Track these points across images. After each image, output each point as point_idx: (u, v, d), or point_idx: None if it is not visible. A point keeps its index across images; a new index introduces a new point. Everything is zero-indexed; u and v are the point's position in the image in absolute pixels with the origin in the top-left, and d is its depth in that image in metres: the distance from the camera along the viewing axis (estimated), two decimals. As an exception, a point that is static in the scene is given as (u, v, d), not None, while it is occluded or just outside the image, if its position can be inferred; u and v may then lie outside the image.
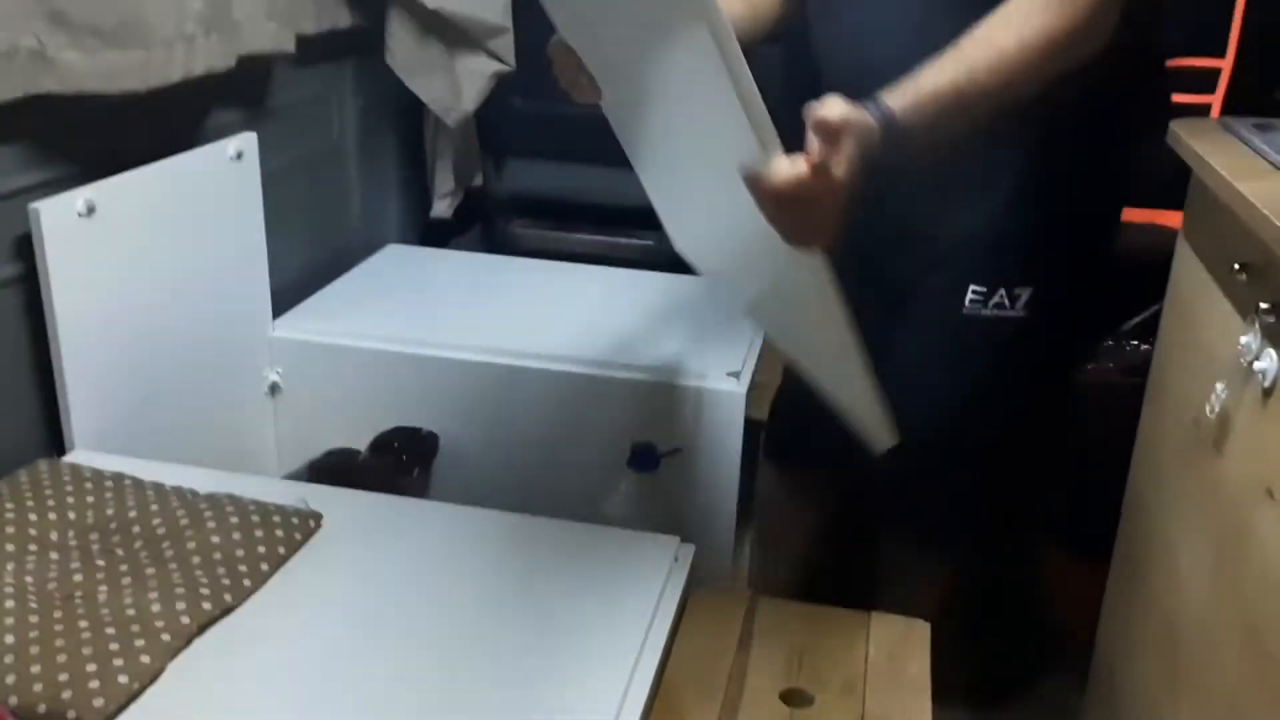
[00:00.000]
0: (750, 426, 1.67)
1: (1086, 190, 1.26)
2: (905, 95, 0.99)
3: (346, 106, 2.01)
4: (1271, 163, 0.94)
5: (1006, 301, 1.26)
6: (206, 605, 1.06)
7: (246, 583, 1.11)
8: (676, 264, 2.28)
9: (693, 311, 1.91)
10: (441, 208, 2.17)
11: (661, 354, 1.73)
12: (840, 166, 0.89)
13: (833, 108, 0.89)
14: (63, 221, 1.29)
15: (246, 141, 1.61)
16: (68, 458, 1.33)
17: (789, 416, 1.62)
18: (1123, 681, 1.21)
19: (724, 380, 1.63)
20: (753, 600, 1.21)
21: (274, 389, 1.72)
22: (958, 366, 1.33)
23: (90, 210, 1.32)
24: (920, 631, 1.16)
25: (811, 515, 1.64)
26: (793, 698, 1.08)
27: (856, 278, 1.40)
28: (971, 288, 1.27)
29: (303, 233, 1.90)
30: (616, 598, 1.15)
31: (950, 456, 1.35)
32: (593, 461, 1.62)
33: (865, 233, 1.36)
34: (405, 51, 1.93)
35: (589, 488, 1.54)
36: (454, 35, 1.96)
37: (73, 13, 1.23)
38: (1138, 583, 1.19)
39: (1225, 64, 1.91)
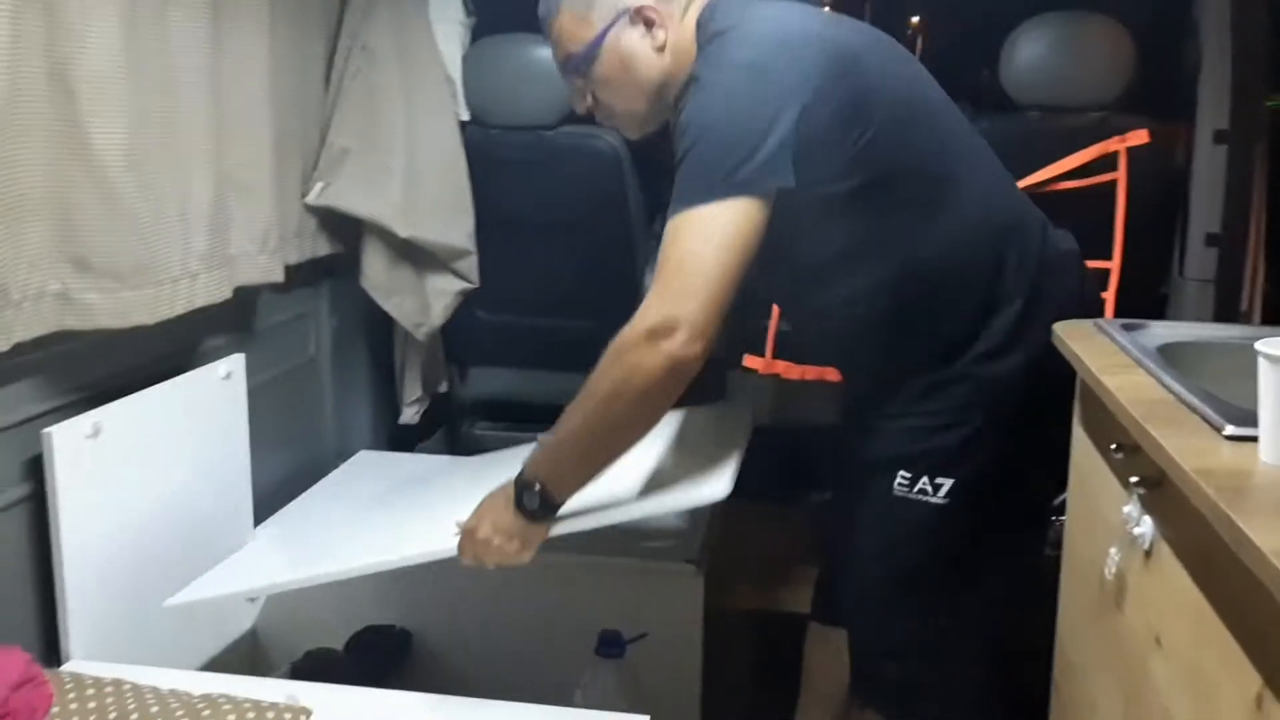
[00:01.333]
0: (716, 612, 1.77)
1: (1009, 397, 1.40)
2: (534, 463, 1.33)
3: (322, 325, 2.17)
4: (1134, 358, 1.12)
5: (929, 489, 1.41)
6: (208, 800, 1.12)
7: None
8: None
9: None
10: (409, 414, 2.31)
11: (623, 541, 1.84)
12: (475, 545, 1.36)
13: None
14: (72, 444, 1.40)
15: (235, 363, 1.75)
16: (65, 668, 1.39)
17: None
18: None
19: (684, 567, 1.75)
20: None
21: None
22: (888, 540, 1.46)
23: (96, 432, 1.44)
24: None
25: None
26: None
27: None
28: (900, 473, 1.43)
29: (281, 443, 2.02)
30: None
31: (891, 629, 1.48)
32: (561, 649, 1.70)
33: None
34: (378, 274, 2.11)
35: (559, 675, 1.62)
36: (423, 258, 2.15)
37: (94, 259, 1.38)
38: (1072, 738, 1.29)
39: (1114, 265, 2.16)
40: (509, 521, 1.35)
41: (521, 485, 1.33)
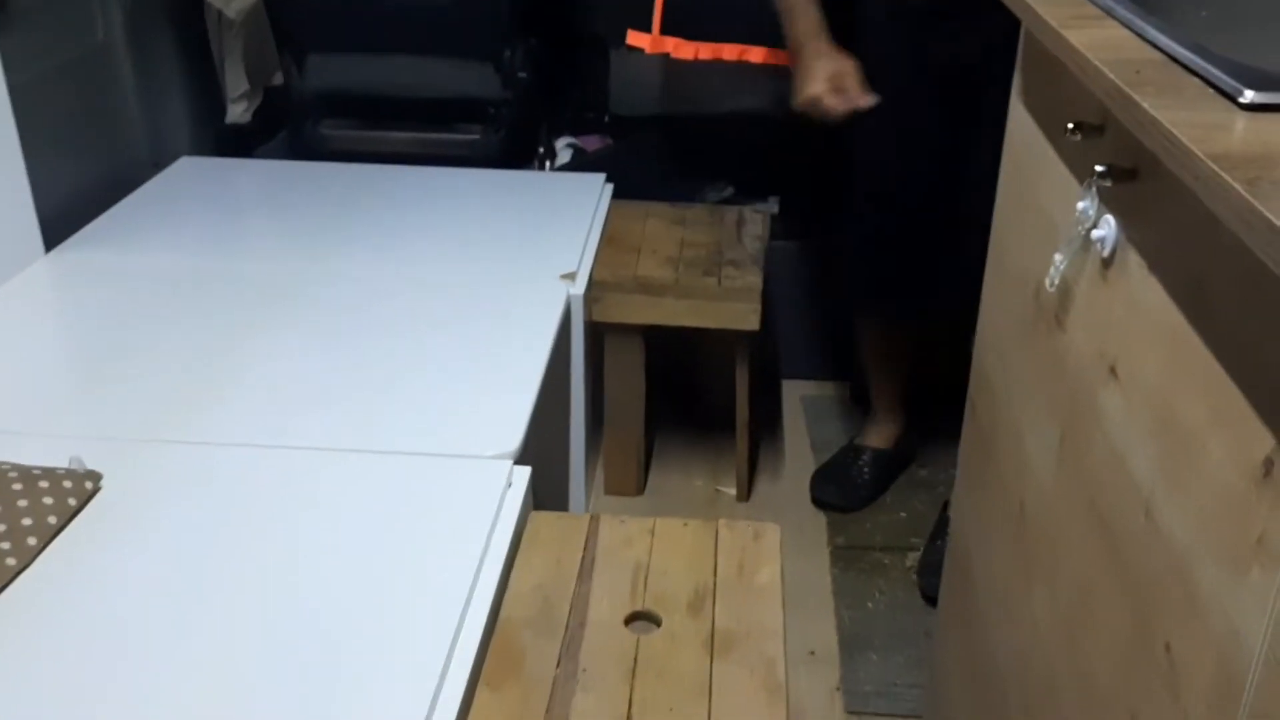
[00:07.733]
0: (592, 330, 1.58)
1: None
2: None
3: (110, 2, 1.77)
4: (1102, 8, 0.86)
5: None
6: (-42, 598, 0.92)
7: (10, 561, 0.97)
8: (505, 159, 2.13)
9: (524, 209, 1.78)
10: (236, 112, 1.96)
11: (493, 256, 1.61)
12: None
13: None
14: None
15: (-23, 50, 1.39)
16: None
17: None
18: (979, 564, 1.18)
19: (559, 284, 1.53)
20: (594, 521, 1.13)
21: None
22: None
23: None
24: (770, 537, 1.10)
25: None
26: (638, 622, 1.01)
27: None
28: None
29: (72, 151, 1.69)
30: (442, 530, 1.05)
31: None
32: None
33: None
34: (170, -66, 1.70)
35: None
36: (225, -88, 1.73)
37: None
38: (988, 463, 1.16)
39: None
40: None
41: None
